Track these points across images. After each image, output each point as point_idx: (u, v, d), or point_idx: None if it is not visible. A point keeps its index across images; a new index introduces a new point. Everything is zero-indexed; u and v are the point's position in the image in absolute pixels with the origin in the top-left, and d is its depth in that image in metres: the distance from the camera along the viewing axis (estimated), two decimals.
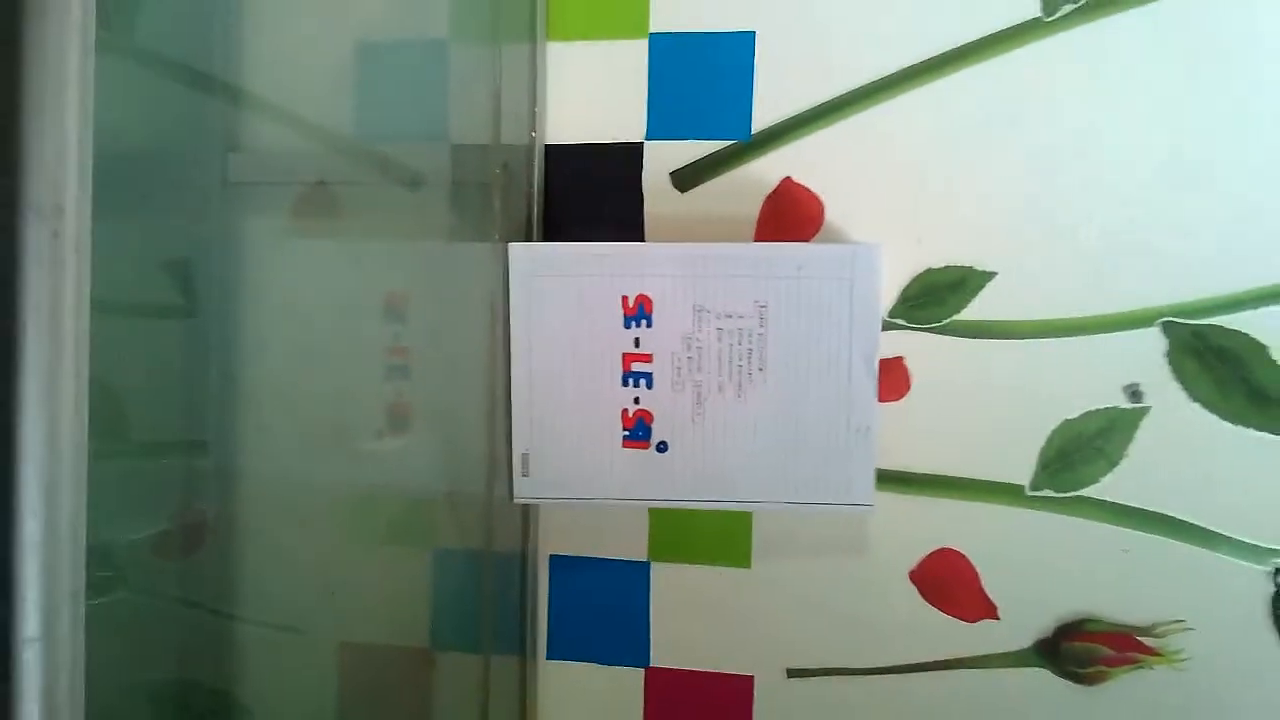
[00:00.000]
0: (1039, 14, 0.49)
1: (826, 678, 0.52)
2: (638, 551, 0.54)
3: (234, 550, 0.41)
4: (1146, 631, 0.49)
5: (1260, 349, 0.47)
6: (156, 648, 0.38)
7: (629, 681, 0.54)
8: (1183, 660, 0.48)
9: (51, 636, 0.21)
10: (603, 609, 0.54)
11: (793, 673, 0.52)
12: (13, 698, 0.21)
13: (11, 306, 0.20)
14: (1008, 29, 0.49)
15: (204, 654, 0.40)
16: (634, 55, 0.53)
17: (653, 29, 0.52)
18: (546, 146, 0.53)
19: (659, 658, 0.54)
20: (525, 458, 0.50)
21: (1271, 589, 0.48)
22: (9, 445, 0.20)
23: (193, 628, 0.40)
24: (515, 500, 0.51)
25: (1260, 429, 0.47)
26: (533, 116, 0.53)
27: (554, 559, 0.55)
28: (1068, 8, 0.48)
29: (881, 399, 0.50)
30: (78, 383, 0.21)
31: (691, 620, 0.53)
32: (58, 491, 0.21)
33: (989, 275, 0.50)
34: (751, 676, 0.53)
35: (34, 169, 0.21)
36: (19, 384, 0.20)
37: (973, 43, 0.49)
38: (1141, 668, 0.49)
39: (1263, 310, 0.47)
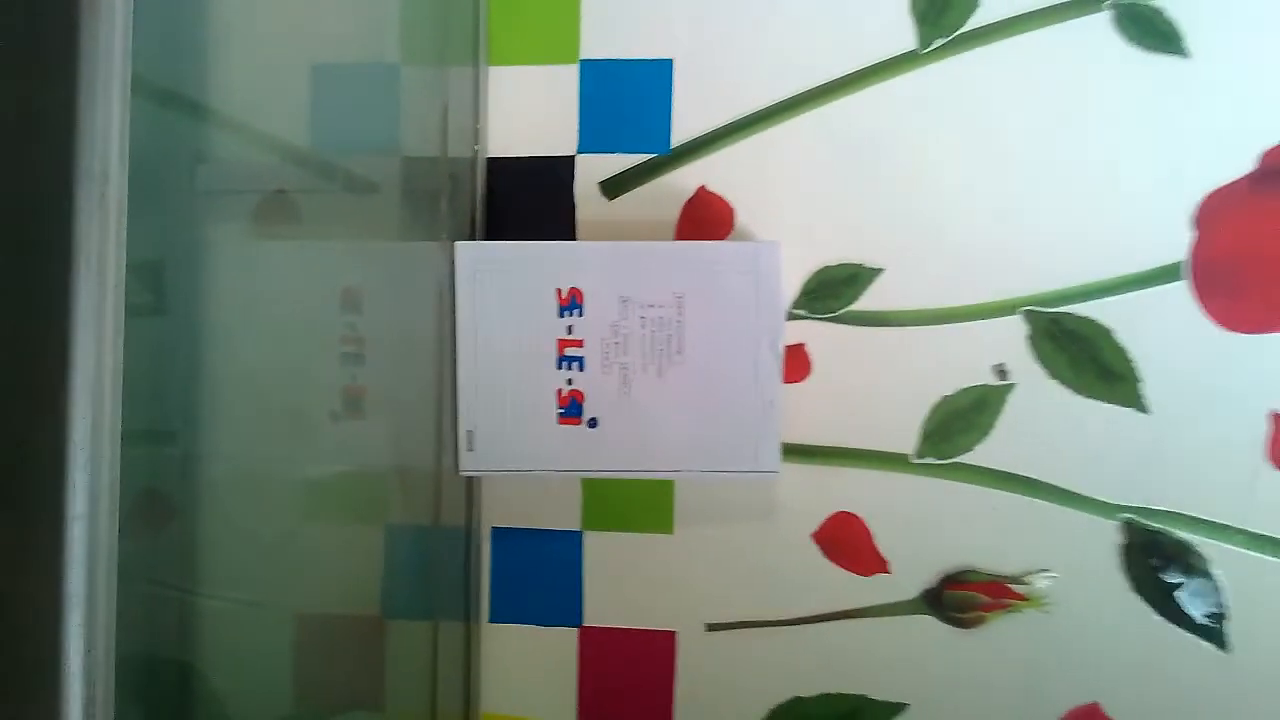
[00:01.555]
0: (915, 47, 0.56)
1: (741, 630, 0.58)
2: (571, 522, 0.59)
3: (197, 529, 0.45)
4: (1016, 580, 0.56)
5: (1106, 332, 0.55)
6: (124, 621, 0.41)
7: (564, 640, 0.60)
8: (1047, 604, 0.55)
9: (94, 515, 0.26)
10: (540, 575, 0.60)
11: (711, 627, 0.58)
12: (63, 565, 0.26)
13: (67, 252, 0.26)
14: (889, 59, 0.57)
15: (167, 627, 0.44)
16: (567, 79, 0.59)
17: (583, 56, 0.59)
18: (489, 159, 0.59)
19: (591, 618, 0.59)
20: (470, 434, 0.56)
21: (1119, 539, 0.55)
22: (66, 357, 0.26)
23: (158, 602, 0.43)
24: (461, 473, 0.56)
25: (1107, 401, 0.55)
26: (476, 132, 0.59)
27: (495, 531, 0.60)
28: (939, 41, 0.56)
29: (786, 380, 0.57)
30: (117, 312, 0.27)
31: (620, 583, 0.59)
32: (102, 396, 0.26)
33: (877, 271, 0.57)
34: (674, 631, 0.59)
35: (86, 143, 0.26)
36: (73, 310, 0.26)
37: (860, 70, 0.57)
38: (1013, 612, 0.56)
39: (1108, 299, 0.55)
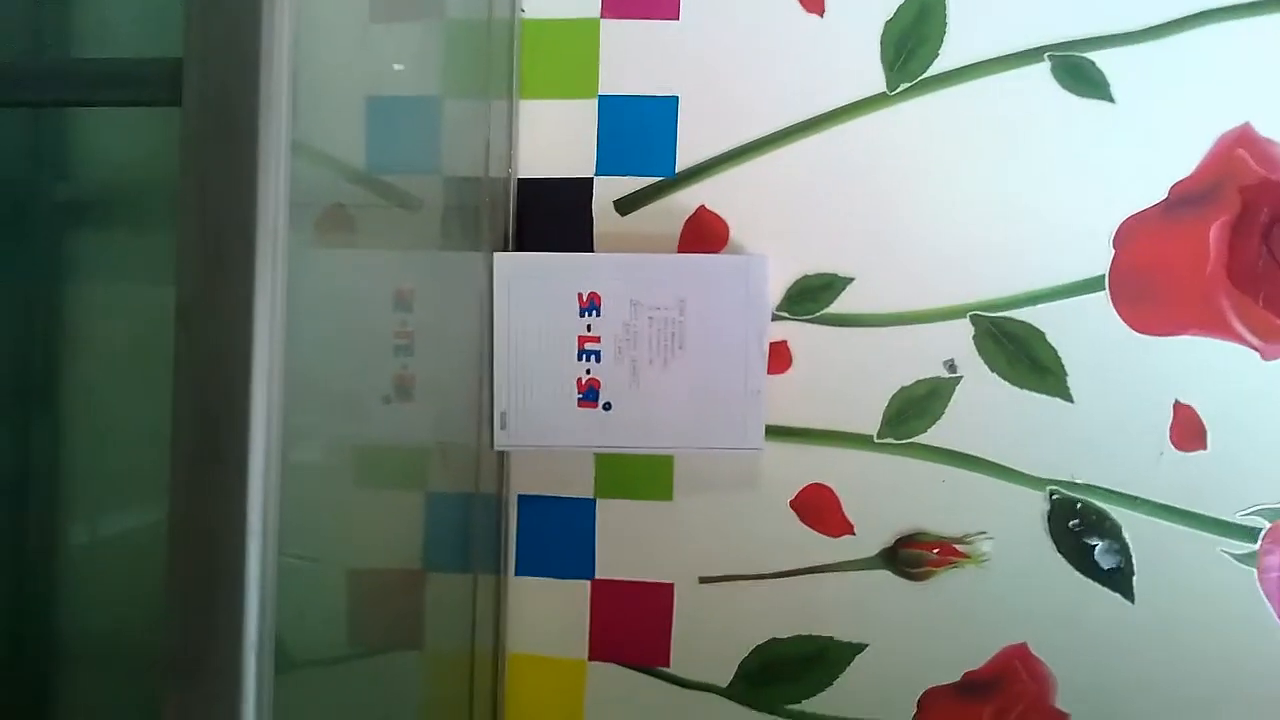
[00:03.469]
0: (884, 89, 0.66)
1: (729, 582, 0.68)
2: (586, 490, 0.70)
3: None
4: (960, 540, 0.66)
5: (1039, 334, 0.65)
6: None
7: (579, 591, 0.70)
8: (985, 561, 0.66)
9: (268, 470, 0.36)
10: (559, 535, 0.70)
11: (704, 580, 0.69)
12: (246, 505, 0.36)
13: (250, 283, 0.36)
14: (862, 99, 0.67)
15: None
16: (587, 111, 0.69)
17: (601, 92, 0.69)
18: (520, 180, 0.69)
19: (602, 571, 0.70)
20: (503, 415, 0.66)
21: (1046, 507, 0.65)
22: (250, 359, 0.36)
23: None
24: (495, 448, 0.66)
25: (1038, 391, 0.65)
26: (509, 156, 0.68)
27: (522, 498, 0.70)
28: (904, 85, 0.66)
29: (770, 371, 0.67)
30: (283, 326, 0.37)
31: (627, 542, 0.69)
32: (274, 377, 0.36)
33: (848, 280, 0.67)
34: (672, 584, 0.69)
35: (265, 204, 0.36)
36: (254, 321, 0.36)
37: (837, 108, 0.67)
38: (956, 567, 0.66)
39: (1040, 306, 0.65)
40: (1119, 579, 0.65)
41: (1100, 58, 0.65)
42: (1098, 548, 0.65)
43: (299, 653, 0.51)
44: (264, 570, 0.37)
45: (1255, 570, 0.64)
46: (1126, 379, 0.65)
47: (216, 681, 0.36)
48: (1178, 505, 0.65)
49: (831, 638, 0.68)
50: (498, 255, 0.65)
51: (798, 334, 0.67)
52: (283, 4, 0.37)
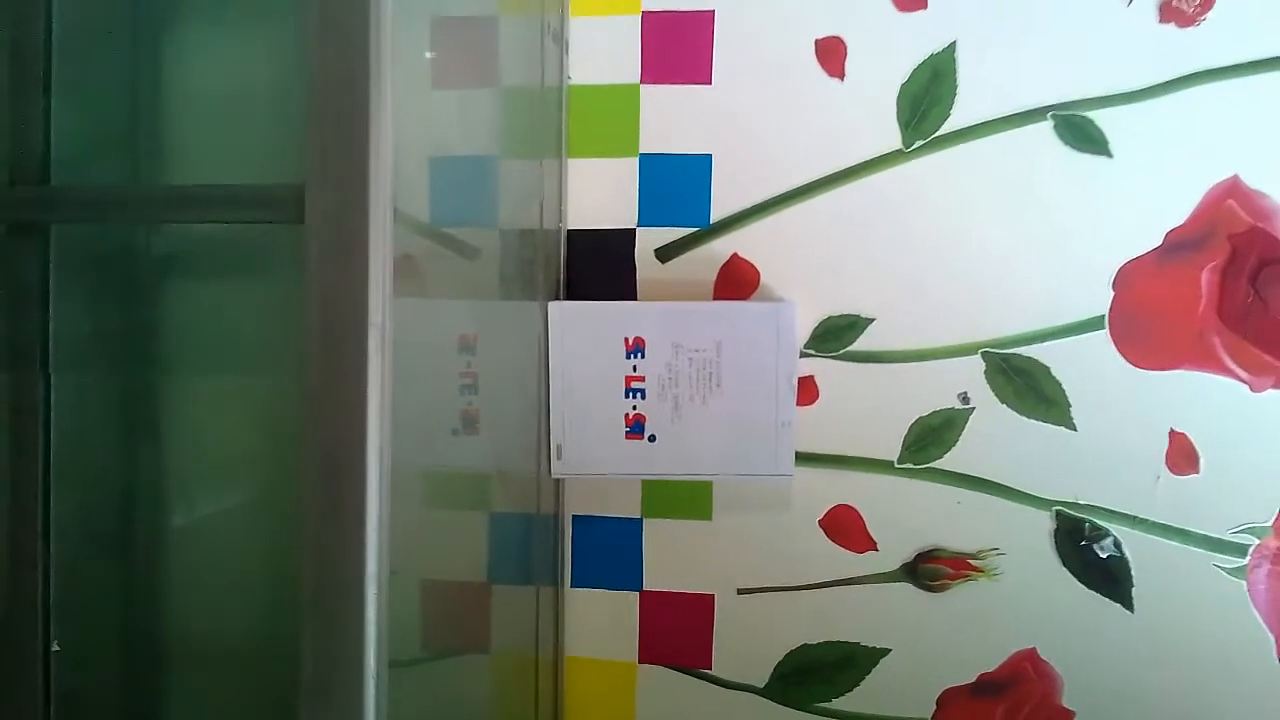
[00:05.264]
0: (900, 146, 0.73)
1: (764, 594, 0.76)
2: (634, 511, 0.77)
3: None
4: (974, 556, 0.73)
5: (1045, 369, 0.72)
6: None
7: (628, 601, 0.77)
8: (997, 574, 0.73)
9: (380, 522, 0.44)
10: (610, 551, 0.78)
11: (741, 591, 0.76)
12: (364, 551, 0.43)
13: (362, 366, 0.43)
14: (880, 155, 0.73)
15: None
16: (629, 169, 0.76)
17: (642, 151, 0.76)
18: (569, 230, 0.76)
19: (649, 583, 0.77)
20: (559, 447, 0.73)
21: (1052, 525, 0.72)
22: (364, 416, 0.43)
23: None
24: (553, 476, 0.74)
25: (1045, 421, 0.72)
26: (560, 210, 0.76)
27: (576, 518, 0.78)
28: (919, 142, 0.72)
29: (799, 404, 0.74)
30: (392, 390, 0.44)
31: (671, 557, 0.77)
32: (385, 422, 0.44)
33: (870, 320, 0.73)
34: (713, 594, 0.76)
35: (375, 303, 0.43)
36: (368, 397, 0.43)
37: (857, 164, 0.73)
38: (971, 580, 0.73)
39: (1046, 343, 0.71)
40: (1119, 589, 0.71)
41: (1099, 116, 0.70)
42: (1099, 562, 0.71)
43: (396, 658, 0.58)
44: (379, 609, 0.44)
45: (1244, 583, 0.70)
46: (1125, 409, 0.71)
47: (345, 702, 0.43)
48: (1173, 524, 0.71)
49: (858, 643, 0.75)
50: (552, 304, 0.72)
51: (824, 370, 0.74)
52: (386, 134, 0.45)
